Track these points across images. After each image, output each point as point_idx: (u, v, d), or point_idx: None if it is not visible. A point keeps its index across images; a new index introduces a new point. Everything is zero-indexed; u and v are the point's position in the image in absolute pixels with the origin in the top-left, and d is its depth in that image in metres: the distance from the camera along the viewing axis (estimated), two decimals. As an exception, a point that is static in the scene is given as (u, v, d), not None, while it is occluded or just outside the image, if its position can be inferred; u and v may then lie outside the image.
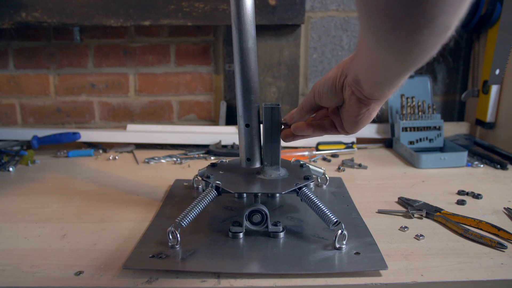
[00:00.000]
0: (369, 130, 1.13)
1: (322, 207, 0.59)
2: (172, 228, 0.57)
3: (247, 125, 0.62)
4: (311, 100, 0.57)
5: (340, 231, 0.56)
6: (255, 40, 0.59)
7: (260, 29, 1.13)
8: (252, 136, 0.62)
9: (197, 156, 1.02)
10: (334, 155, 1.03)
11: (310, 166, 0.74)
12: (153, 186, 0.83)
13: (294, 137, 0.60)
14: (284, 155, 0.97)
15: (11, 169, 0.92)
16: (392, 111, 1.09)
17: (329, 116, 0.59)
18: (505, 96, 1.06)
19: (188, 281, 0.51)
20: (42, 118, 1.26)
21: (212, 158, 1.01)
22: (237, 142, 1.06)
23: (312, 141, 1.06)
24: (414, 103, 1.05)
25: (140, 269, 0.52)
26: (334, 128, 0.58)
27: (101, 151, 1.05)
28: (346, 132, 0.57)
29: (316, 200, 0.60)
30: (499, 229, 0.62)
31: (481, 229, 0.63)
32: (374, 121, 1.24)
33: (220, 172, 0.66)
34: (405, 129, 1.04)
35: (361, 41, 0.42)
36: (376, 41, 0.38)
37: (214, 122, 1.28)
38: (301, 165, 0.70)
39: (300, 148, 1.05)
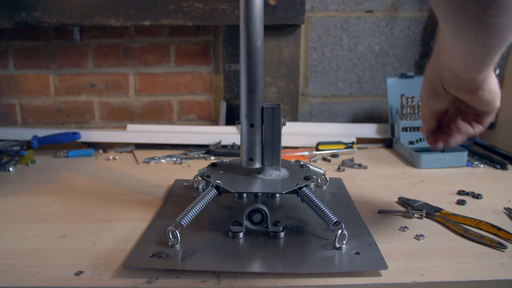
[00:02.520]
0: (369, 130, 1.13)
1: (322, 207, 0.59)
2: (172, 227, 0.57)
3: (251, 125, 0.62)
4: (430, 112, 0.57)
5: (340, 231, 0.56)
6: (263, 40, 0.59)
7: (260, 29, 1.13)
8: (255, 136, 0.62)
9: (197, 156, 1.02)
10: (334, 155, 1.03)
11: (310, 167, 0.74)
12: (153, 186, 0.83)
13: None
14: (284, 155, 0.97)
15: (11, 169, 0.91)
16: (392, 111, 1.09)
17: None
18: (505, 96, 1.05)
19: (188, 281, 0.51)
20: (42, 118, 1.26)
21: (212, 158, 1.01)
22: (237, 142, 1.06)
23: (312, 141, 1.07)
24: (414, 103, 1.05)
25: (140, 268, 0.52)
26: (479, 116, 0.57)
27: (101, 151, 1.05)
28: (488, 114, 0.55)
29: (316, 200, 0.60)
30: (499, 229, 0.62)
31: (481, 229, 0.63)
32: (374, 121, 1.24)
33: (221, 172, 0.66)
34: (405, 129, 1.04)
35: (442, 35, 0.43)
36: (450, 29, 0.38)
37: (214, 122, 1.28)
38: (301, 166, 0.70)
39: (300, 148, 1.05)
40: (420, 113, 0.57)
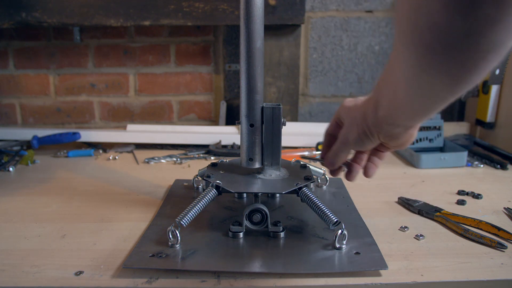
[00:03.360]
0: (369, 130, 1.13)
1: (322, 207, 0.59)
2: (172, 227, 0.57)
3: (251, 125, 0.62)
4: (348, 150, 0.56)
5: (340, 231, 0.56)
6: (263, 40, 0.59)
7: (260, 29, 1.13)
8: (255, 136, 0.62)
9: (197, 156, 1.02)
10: (334, 155, 1.03)
11: (310, 167, 0.74)
12: (153, 186, 0.82)
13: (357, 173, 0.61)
14: (284, 155, 0.97)
15: (11, 169, 0.91)
16: (392, 111, 1.09)
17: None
18: (505, 96, 1.06)
19: (188, 281, 0.51)
20: (42, 118, 1.26)
21: (212, 158, 1.01)
22: (237, 142, 1.06)
23: (312, 141, 1.06)
24: (414, 103, 1.05)
25: (140, 268, 0.52)
26: (382, 151, 0.59)
27: (101, 151, 1.05)
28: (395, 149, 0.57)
29: (316, 200, 0.60)
30: (499, 229, 0.62)
31: (481, 229, 0.63)
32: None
33: (221, 172, 0.66)
34: (405, 129, 1.03)
35: (398, 93, 0.40)
36: (425, 69, 0.35)
37: (214, 122, 1.28)
38: (302, 166, 0.70)
39: (300, 148, 1.05)
40: (340, 149, 0.56)
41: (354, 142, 0.53)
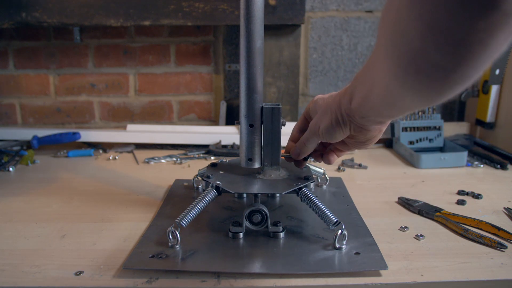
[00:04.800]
0: (369, 130, 1.13)
1: (322, 207, 0.59)
2: (172, 228, 0.57)
3: (251, 125, 0.62)
4: (316, 140, 0.57)
5: (340, 231, 0.56)
6: (263, 40, 0.59)
7: (260, 29, 1.13)
8: (254, 136, 0.62)
9: (197, 156, 1.02)
10: (334, 155, 1.03)
11: (310, 166, 0.74)
12: (153, 186, 0.83)
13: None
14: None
15: (11, 169, 0.92)
16: (392, 111, 1.09)
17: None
18: (505, 96, 1.06)
19: (188, 281, 0.51)
20: (42, 118, 1.26)
21: (212, 158, 1.01)
22: (237, 142, 1.06)
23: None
24: (414, 103, 1.05)
25: (140, 269, 0.52)
26: (343, 150, 0.61)
27: (101, 151, 1.05)
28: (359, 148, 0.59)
29: (316, 200, 0.60)
30: (499, 229, 0.62)
31: (481, 229, 0.63)
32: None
33: (220, 172, 0.66)
34: (405, 129, 1.04)
35: (377, 79, 0.41)
36: (400, 84, 0.37)
37: (214, 122, 1.28)
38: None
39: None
40: (309, 139, 0.58)
41: (325, 130, 0.53)
